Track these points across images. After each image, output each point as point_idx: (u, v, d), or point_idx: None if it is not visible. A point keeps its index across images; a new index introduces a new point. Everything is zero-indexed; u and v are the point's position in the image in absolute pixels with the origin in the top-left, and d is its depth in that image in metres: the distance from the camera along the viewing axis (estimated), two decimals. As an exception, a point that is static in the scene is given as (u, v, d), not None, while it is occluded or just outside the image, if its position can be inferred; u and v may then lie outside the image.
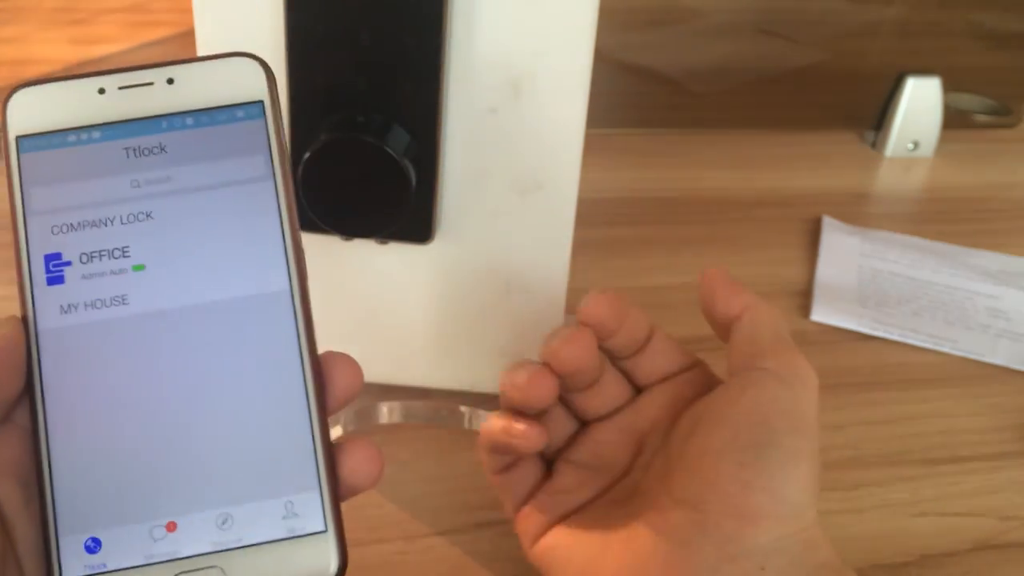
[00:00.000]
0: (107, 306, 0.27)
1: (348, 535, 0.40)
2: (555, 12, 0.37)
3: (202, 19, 0.37)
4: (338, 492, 0.27)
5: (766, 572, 0.30)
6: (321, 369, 0.28)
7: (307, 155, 0.37)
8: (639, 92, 0.72)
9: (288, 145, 0.29)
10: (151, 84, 0.27)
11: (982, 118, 0.78)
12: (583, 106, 0.38)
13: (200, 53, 0.37)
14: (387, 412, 0.45)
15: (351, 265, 0.42)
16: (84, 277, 0.27)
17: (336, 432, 0.44)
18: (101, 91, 0.27)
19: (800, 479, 0.31)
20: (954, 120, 0.75)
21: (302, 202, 0.38)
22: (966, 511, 0.43)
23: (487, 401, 0.45)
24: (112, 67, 0.28)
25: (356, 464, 0.27)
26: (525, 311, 0.43)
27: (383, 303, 0.44)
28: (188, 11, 0.37)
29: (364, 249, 0.41)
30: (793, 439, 0.31)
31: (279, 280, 0.27)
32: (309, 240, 0.40)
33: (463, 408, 0.45)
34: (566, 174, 0.40)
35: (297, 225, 0.28)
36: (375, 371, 0.45)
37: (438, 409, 0.45)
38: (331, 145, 0.37)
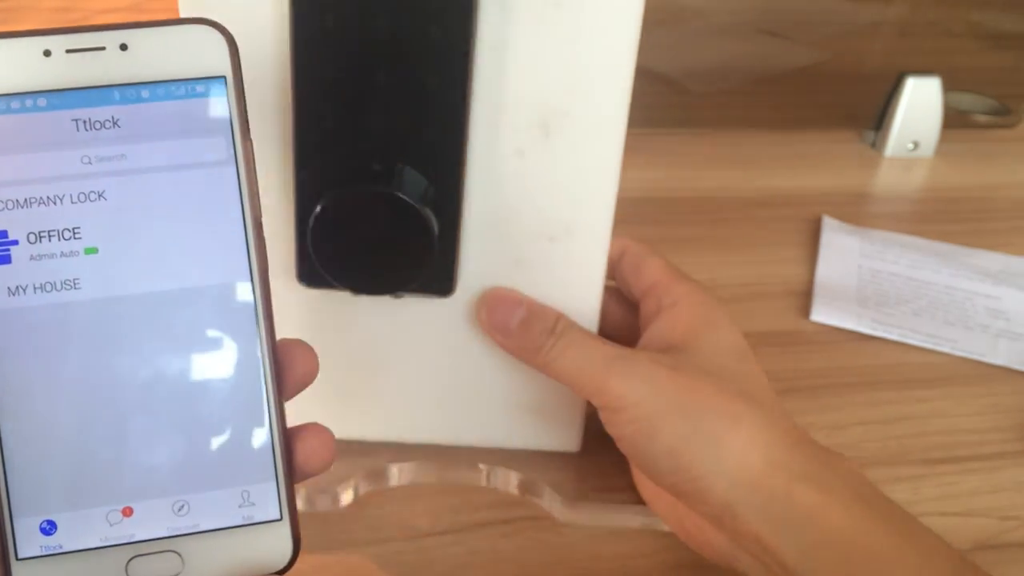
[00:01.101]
0: (58, 290, 0.26)
1: (348, 535, 0.40)
2: (593, 43, 0.34)
3: None
4: (293, 481, 0.28)
5: None
6: (279, 360, 0.27)
7: (318, 209, 0.34)
8: (639, 92, 0.72)
9: (250, 126, 0.27)
10: (102, 49, 0.25)
11: (982, 118, 0.78)
12: (619, 144, 0.36)
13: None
14: (397, 473, 0.42)
15: (361, 319, 0.39)
16: (33, 258, 0.25)
17: (347, 497, 0.41)
18: (47, 53, 0.25)
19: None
20: (954, 120, 0.75)
21: (312, 260, 0.35)
22: (966, 511, 0.43)
23: (509, 457, 0.43)
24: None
25: (311, 451, 0.28)
26: None
27: (399, 359, 0.40)
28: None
29: (376, 302, 0.38)
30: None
31: (239, 270, 0.27)
32: (315, 294, 0.38)
33: (481, 465, 0.42)
34: (599, 218, 0.37)
35: (259, 212, 0.27)
36: (388, 431, 0.42)
37: (456, 468, 0.42)
38: (345, 197, 0.34)
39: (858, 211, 0.67)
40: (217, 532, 0.27)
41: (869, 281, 0.58)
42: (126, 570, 0.26)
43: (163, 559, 0.26)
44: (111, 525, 0.26)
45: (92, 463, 0.26)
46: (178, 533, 0.27)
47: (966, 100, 0.77)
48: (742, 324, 0.38)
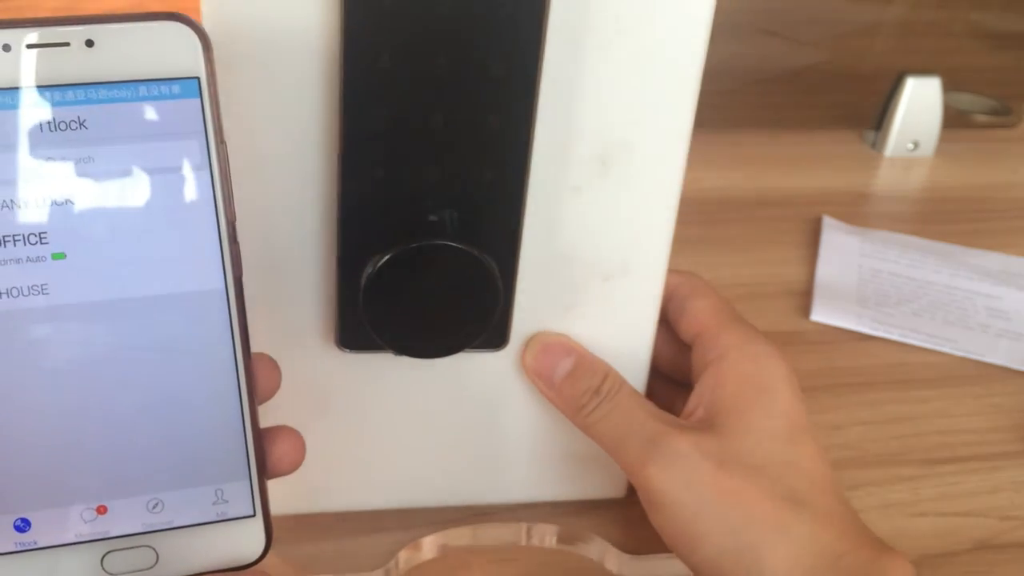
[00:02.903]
0: (25, 295, 0.25)
1: (347, 524, 0.39)
2: (658, 67, 0.32)
3: None
4: (266, 478, 0.28)
5: None
6: (252, 365, 0.28)
7: (370, 270, 0.31)
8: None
9: (224, 128, 0.26)
10: (67, 45, 0.24)
11: (982, 118, 0.78)
12: (681, 173, 0.34)
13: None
14: (433, 545, 0.39)
15: (396, 379, 0.36)
16: None
17: None
18: (6, 48, 0.23)
19: None
20: (954, 120, 0.75)
21: (361, 324, 0.32)
22: (966, 511, 0.43)
23: (552, 509, 0.40)
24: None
25: (282, 453, 0.29)
26: None
27: (437, 417, 0.38)
28: (188, 11, 0.37)
29: (416, 360, 0.34)
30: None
31: (214, 277, 0.26)
32: (350, 356, 0.35)
33: (523, 523, 0.40)
34: (656, 254, 0.36)
35: (234, 217, 0.26)
36: (426, 495, 0.39)
37: (494, 527, 0.40)
38: (403, 256, 0.31)
39: (858, 211, 0.67)
40: (191, 528, 0.27)
41: (869, 281, 0.58)
42: (101, 564, 0.27)
43: (138, 554, 0.27)
44: (85, 522, 0.27)
45: (66, 464, 0.26)
46: (152, 529, 0.27)
47: (966, 100, 0.77)
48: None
